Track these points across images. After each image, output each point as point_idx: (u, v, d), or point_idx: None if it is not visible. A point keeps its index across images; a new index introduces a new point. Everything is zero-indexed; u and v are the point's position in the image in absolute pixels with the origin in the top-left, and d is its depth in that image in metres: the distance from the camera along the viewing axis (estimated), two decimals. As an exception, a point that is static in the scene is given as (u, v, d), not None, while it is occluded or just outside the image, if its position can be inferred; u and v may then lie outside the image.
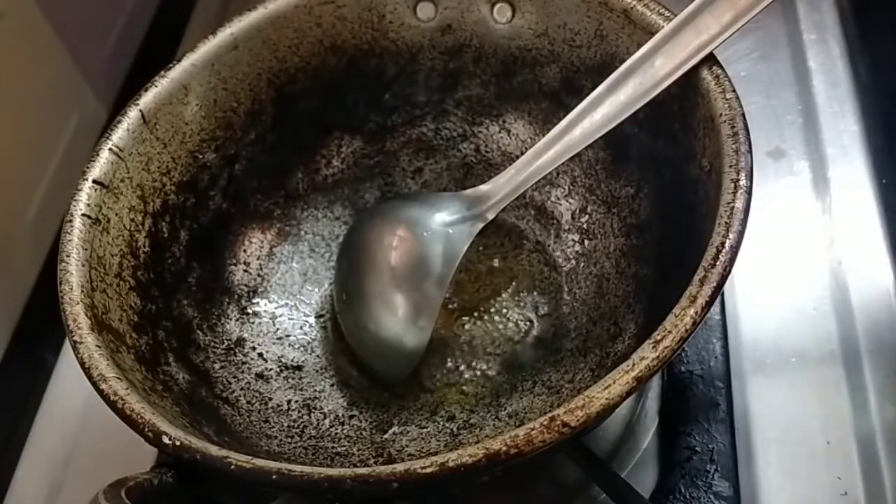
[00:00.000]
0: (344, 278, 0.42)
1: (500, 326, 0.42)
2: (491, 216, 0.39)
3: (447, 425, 0.39)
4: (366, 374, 0.42)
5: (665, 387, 0.42)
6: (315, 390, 0.41)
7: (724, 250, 0.28)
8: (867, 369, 0.41)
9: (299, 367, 0.41)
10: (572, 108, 0.42)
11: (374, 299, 0.40)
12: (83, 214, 0.34)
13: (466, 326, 0.42)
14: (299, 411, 0.40)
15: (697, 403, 0.40)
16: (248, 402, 0.39)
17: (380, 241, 0.40)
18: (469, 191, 0.40)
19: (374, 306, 0.40)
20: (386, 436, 0.39)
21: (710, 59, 0.34)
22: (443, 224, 0.40)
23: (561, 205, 0.44)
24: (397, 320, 0.40)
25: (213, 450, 0.27)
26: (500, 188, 0.39)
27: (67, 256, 0.33)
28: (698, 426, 0.40)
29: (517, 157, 0.45)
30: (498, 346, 0.41)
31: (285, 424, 0.39)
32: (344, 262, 0.43)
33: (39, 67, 0.53)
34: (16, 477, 0.46)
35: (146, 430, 0.28)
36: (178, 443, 0.27)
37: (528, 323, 0.42)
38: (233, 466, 0.26)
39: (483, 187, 0.40)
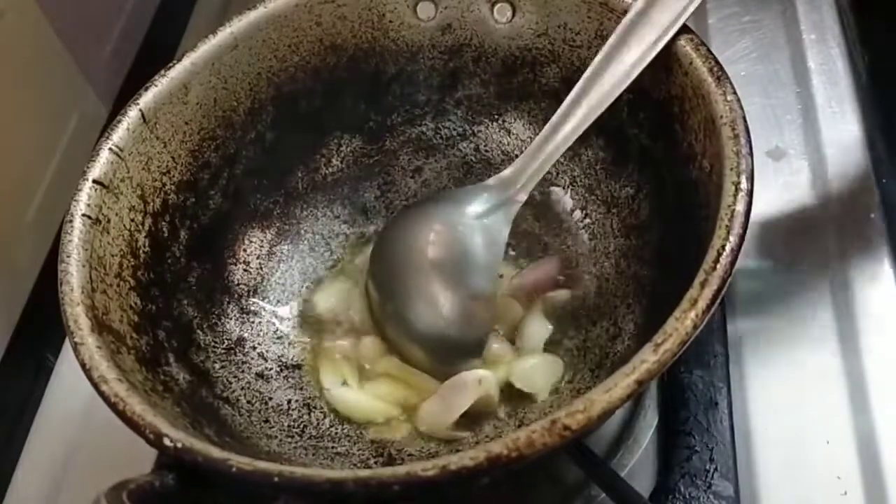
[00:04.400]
0: (387, 291, 0.41)
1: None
2: (522, 198, 0.39)
3: (447, 424, 0.39)
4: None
5: (665, 386, 0.42)
6: (315, 390, 0.41)
7: (724, 253, 0.28)
8: (867, 369, 0.41)
9: (299, 367, 0.41)
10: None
11: (427, 302, 0.40)
12: (83, 214, 0.34)
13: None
14: (299, 411, 0.40)
15: (697, 403, 0.40)
16: (249, 402, 0.39)
17: (420, 244, 0.40)
18: (492, 179, 0.40)
19: (430, 309, 0.40)
20: (386, 435, 0.39)
21: (711, 60, 0.34)
22: (476, 216, 0.40)
23: (560, 204, 0.44)
24: (456, 318, 0.39)
25: (215, 452, 0.27)
26: (522, 168, 0.39)
27: (68, 257, 0.33)
28: (698, 426, 0.40)
29: (517, 157, 0.45)
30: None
31: (286, 424, 0.39)
32: (381, 273, 0.42)
33: (39, 67, 0.53)
34: (16, 477, 0.46)
35: (147, 432, 0.28)
36: (179, 445, 0.27)
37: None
38: (234, 469, 0.26)
39: (506, 172, 0.40)
